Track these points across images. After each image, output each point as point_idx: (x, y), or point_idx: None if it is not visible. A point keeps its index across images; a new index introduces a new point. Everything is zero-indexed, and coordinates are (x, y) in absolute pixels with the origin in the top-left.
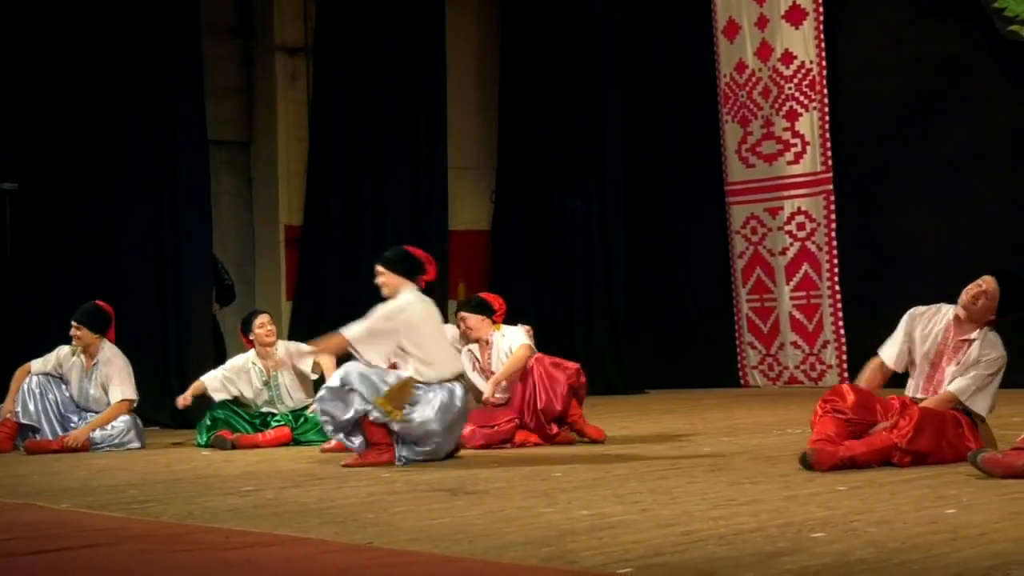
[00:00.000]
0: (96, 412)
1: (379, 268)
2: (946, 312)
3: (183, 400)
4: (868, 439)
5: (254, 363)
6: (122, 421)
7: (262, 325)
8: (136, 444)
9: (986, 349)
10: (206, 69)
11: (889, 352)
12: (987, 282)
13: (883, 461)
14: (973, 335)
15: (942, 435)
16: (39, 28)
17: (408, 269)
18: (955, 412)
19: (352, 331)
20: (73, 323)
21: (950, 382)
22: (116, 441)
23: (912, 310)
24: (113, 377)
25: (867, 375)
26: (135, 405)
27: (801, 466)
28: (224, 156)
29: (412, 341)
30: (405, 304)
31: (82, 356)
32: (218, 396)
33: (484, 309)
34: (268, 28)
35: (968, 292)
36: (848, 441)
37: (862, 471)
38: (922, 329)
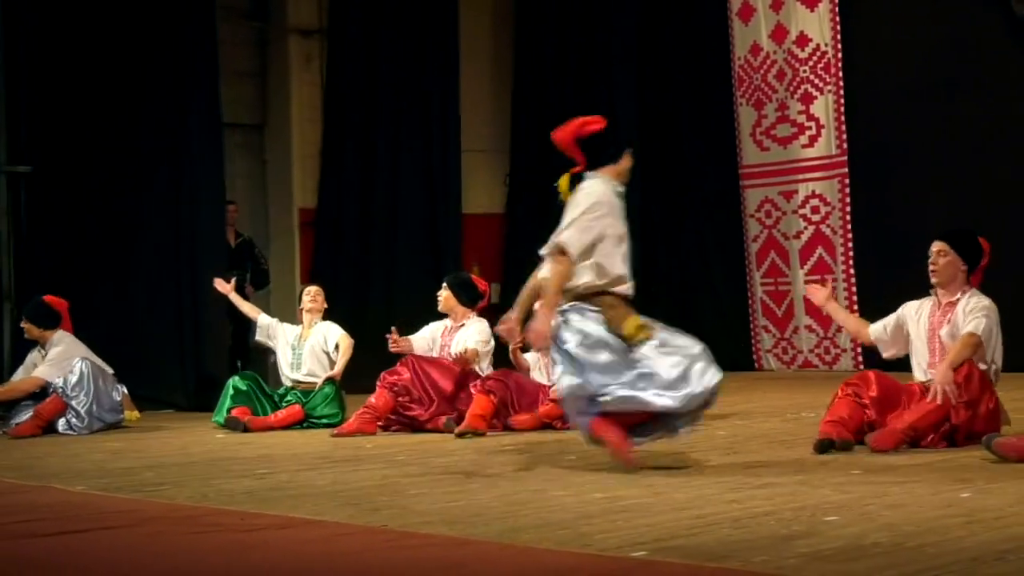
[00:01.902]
0: (80, 357)
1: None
2: (930, 297)
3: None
4: (917, 406)
5: (296, 328)
6: (79, 363)
7: (308, 293)
8: (89, 403)
9: (972, 301)
10: (220, 52)
11: (876, 324)
12: (936, 244)
13: (940, 423)
14: (955, 297)
15: (990, 396)
16: (55, 11)
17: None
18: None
19: None
20: (22, 319)
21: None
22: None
23: (906, 304)
24: (46, 360)
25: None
26: (48, 387)
27: (815, 452)
28: (238, 139)
29: None
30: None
31: (40, 351)
32: (258, 335)
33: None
34: (282, 10)
35: (929, 265)
36: (902, 413)
37: (877, 455)
38: (914, 314)
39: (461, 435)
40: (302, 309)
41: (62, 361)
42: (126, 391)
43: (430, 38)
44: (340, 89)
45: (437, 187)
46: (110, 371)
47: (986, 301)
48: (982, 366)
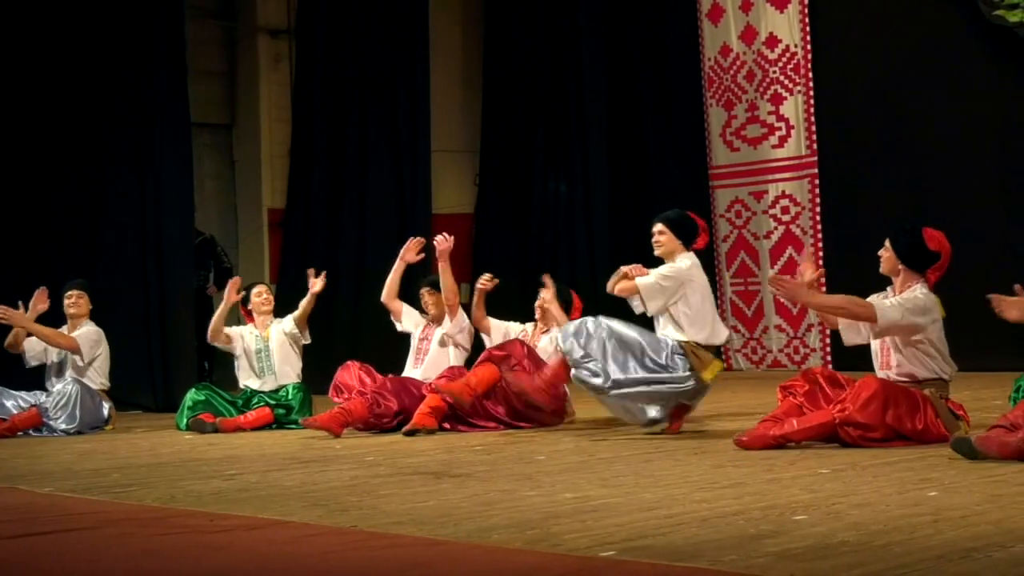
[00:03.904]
0: (72, 378)
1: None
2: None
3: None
4: (807, 416)
5: (252, 331)
6: (72, 387)
7: (259, 294)
8: (70, 426)
9: (906, 294)
10: (189, 51)
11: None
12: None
13: (825, 437)
14: (899, 292)
15: (891, 408)
16: (20, 9)
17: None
18: (918, 392)
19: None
20: (74, 292)
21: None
22: (61, 408)
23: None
24: (79, 333)
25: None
26: (78, 357)
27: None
28: (207, 139)
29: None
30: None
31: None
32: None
33: (567, 303)
34: (251, 10)
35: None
36: (788, 419)
37: (846, 454)
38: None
39: (410, 433)
40: (250, 310)
41: (90, 342)
42: (110, 405)
43: (399, 39)
44: (309, 89)
45: (407, 187)
46: (107, 384)
47: (914, 295)
48: (927, 374)
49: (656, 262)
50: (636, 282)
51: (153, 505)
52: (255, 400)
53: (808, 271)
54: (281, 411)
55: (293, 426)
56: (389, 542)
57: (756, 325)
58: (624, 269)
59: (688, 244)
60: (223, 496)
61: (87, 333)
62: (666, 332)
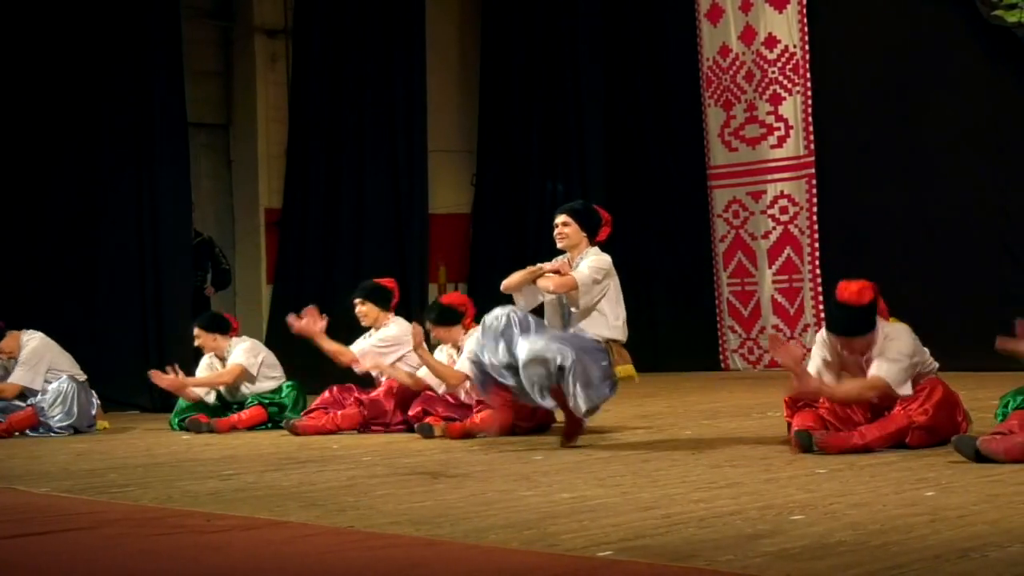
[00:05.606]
0: (66, 376)
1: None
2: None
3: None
4: (881, 423)
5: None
6: (67, 384)
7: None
8: (67, 422)
9: (887, 343)
10: (185, 51)
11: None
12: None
13: (895, 444)
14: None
15: (953, 414)
16: (16, 10)
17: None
18: (956, 393)
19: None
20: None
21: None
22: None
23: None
24: (20, 362)
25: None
26: (30, 392)
27: (798, 443)
28: (204, 139)
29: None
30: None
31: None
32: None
33: (452, 318)
34: (247, 10)
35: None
36: (861, 427)
37: (839, 455)
38: (825, 343)
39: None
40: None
41: (34, 362)
42: (98, 400)
43: (396, 38)
44: (306, 89)
45: (403, 187)
46: (83, 376)
47: (901, 343)
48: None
49: (555, 253)
50: (574, 275)
51: (150, 505)
52: (249, 400)
53: None
54: (274, 409)
55: (288, 412)
56: (386, 542)
57: (753, 325)
58: (547, 266)
59: (592, 237)
60: (220, 496)
61: (24, 354)
62: (588, 328)
